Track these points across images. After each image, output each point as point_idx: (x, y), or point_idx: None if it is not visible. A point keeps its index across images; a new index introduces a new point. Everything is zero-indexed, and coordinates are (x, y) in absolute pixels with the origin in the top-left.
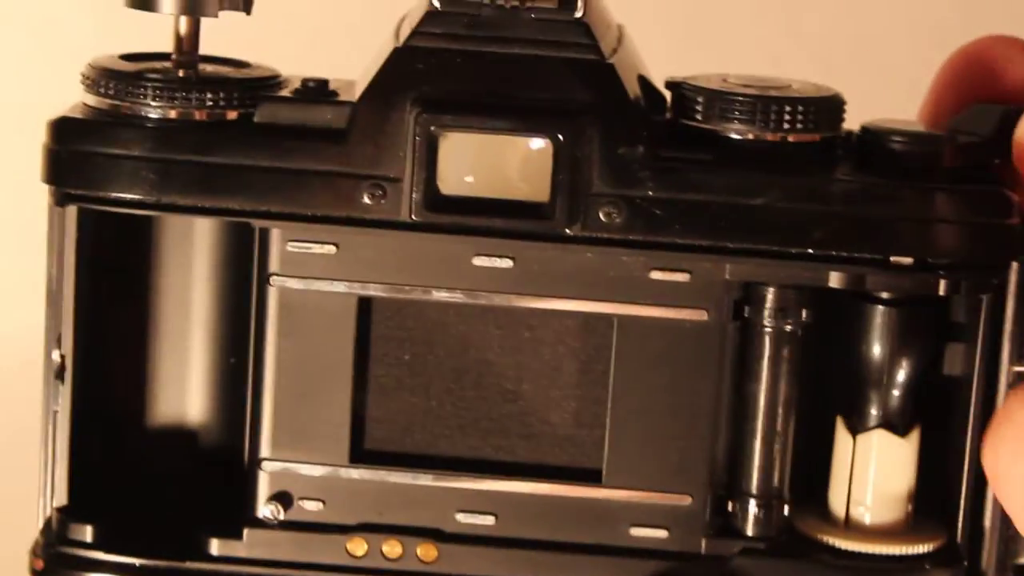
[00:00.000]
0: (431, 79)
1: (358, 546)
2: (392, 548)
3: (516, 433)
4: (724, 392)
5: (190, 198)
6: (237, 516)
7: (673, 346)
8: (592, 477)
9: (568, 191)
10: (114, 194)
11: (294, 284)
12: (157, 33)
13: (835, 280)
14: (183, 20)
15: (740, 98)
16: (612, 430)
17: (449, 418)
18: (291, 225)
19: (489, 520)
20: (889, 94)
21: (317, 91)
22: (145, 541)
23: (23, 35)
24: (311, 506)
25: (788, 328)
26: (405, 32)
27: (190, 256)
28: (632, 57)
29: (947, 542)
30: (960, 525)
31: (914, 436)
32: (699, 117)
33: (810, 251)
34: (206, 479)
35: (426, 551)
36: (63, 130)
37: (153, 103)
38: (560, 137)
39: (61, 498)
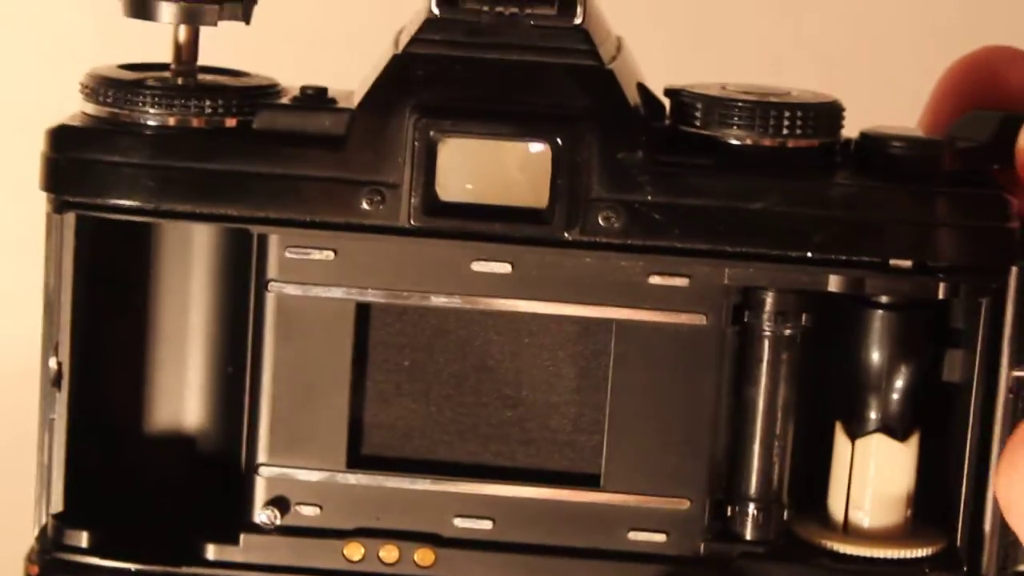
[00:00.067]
0: (430, 85)
1: (355, 551)
2: (389, 553)
3: (515, 438)
4: (723, 396)
5: (189, 205)
6: (234, 521)
7: (672, 351)
8: (591, 481)
9: (567, 196)
10: (113, 201)
11: (292, 290)
12: (157, 43)
13: (834, 284)
14: (182, 29)
15: (739, 104)
16: (611, 434)
17: (448, 423)
18: (289, 231)
19: (487, 525)
20: (889, 105)
21: (316, 98)
22: (141, 547)
23: (24, 44)
24: (308, 511)
25: (787, 332)
26: (404, 40)
27: (188, 263)
28: (631, 65)
29: (947, 547)
30: (960, 530)
31: (913, 441)
32: (698, 123)
33: (809, 255)
34: (202, 485)
35: (423, 556)
36: (61, 138)
37: (152, 111)
38: (559, 142)
39: (57, 505)
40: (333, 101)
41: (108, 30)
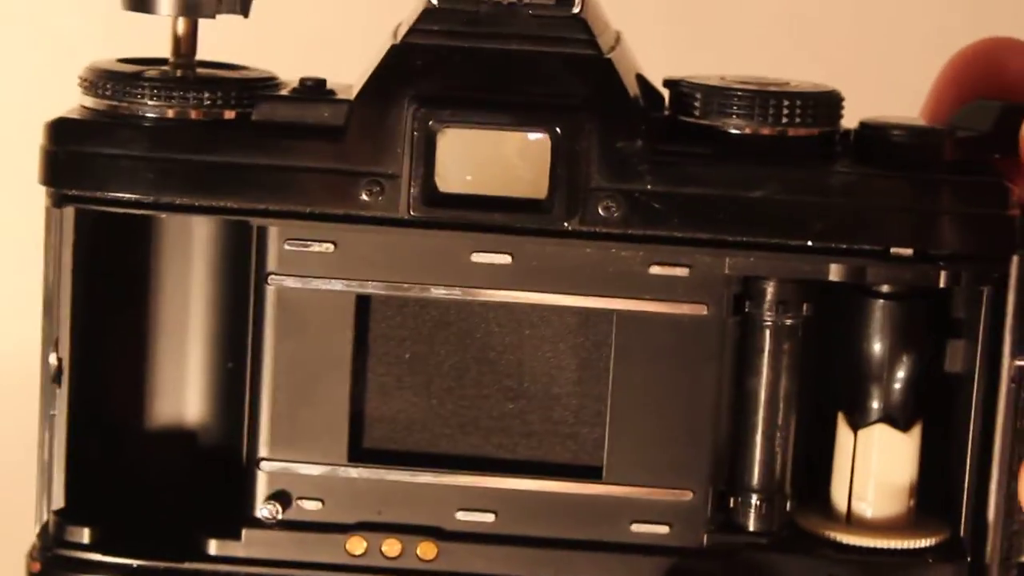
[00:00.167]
0: (429, 75)
1: (357, 545)
2: (391, 547)
3: (517, 431)
4: (725, 387)
5: (188, 197)
6: (235, 516)
7: (673, 341)
8: (593, 474)
9: (566, 186)
10: (112, 194)
11: (292, 283)
12: (155, 41)
13: (835, 273)
14: (180, 21)
15: (739, 93)
16: (612, 426)
17: (449, 416)
18: (289, 223)
19: (489, 518)
20: (889, 97)
21: (315, 90)
22: (143, 542)
23: (24, 42)
24: (310, 505)
25: (788, 322)
26: (403, 31)
27: (188, 257)
28: (629, 57)
29: (950, 537)
30: (963, 520)
31: (916, 431)
32: (697, 113)
33: (810, 244)
34: (204, 480)
35: (426, 549)
36: (60, 131)
37: (151, 103)
38: (558, 131)
39: (58, 501)
40: (332, 93)
41: (106, 28)
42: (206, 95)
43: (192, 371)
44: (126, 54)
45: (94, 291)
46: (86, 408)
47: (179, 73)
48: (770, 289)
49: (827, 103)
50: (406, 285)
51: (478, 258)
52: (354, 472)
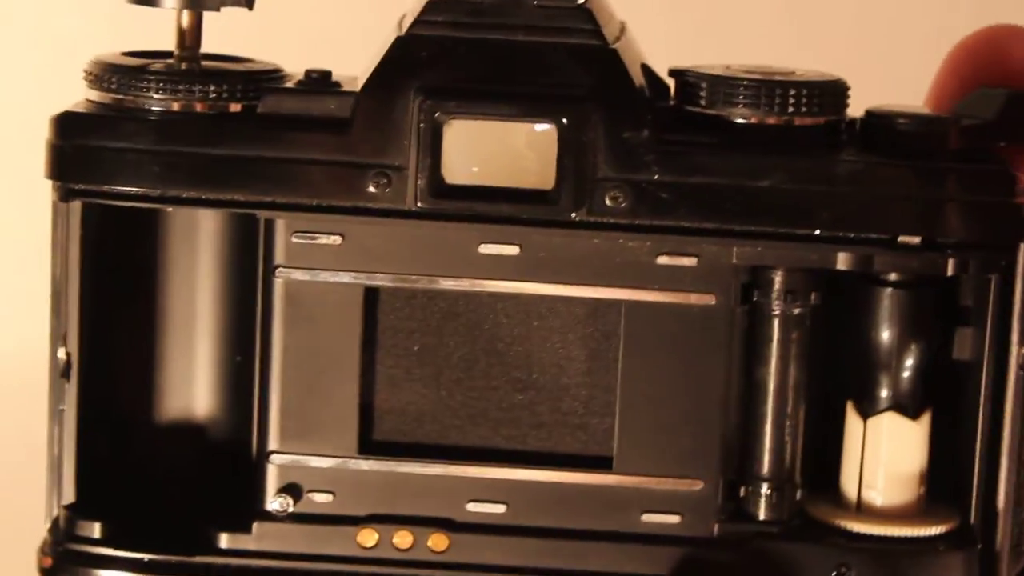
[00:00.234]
0: (434, 67)
1: (368, 537)
2: (403, 539)
3: (526, 422)
4: (734, 376)
5: (195, 190)
6: (246, 510)
7: (681, 331)
8: (603, 464)
9: (573, 176)
10: (119, 188)
11: (300, 275)
12: (158, 32)
13: (843, 261)
14: (185, 15)
15: (744, 82)
16: (622, 416)
17: (459, 408)
18: (296, 215)
19: (500, 509)
20: (893, 87)
21: (320, 82)
22: (154, 536)
23: (24, 36)
24: (320, 498)
25: (796, 311)
26: (407, 23)
27: (194, 251)
28: (634, 47)
29: (960, 524)
30: (973, 507)
31: (925, 419)
32: (703, 103)
33: (817, 232)
34: (213, 474)
35: (437, 541)
36: (66, 125)
37: (156, 96)
38: (565, 122)
39: (69, 496)
40: (337, 85)
41: (109, 24)
42: (211, 88)
43: (200, 365)
44: (131, 47)
45: (102, 286)
46: (95, 403)
47: (184, 66)
48: (778, 278)
49: (833, 92)
50: (414, 277)
51: (486, 249)
52: (364, 464)
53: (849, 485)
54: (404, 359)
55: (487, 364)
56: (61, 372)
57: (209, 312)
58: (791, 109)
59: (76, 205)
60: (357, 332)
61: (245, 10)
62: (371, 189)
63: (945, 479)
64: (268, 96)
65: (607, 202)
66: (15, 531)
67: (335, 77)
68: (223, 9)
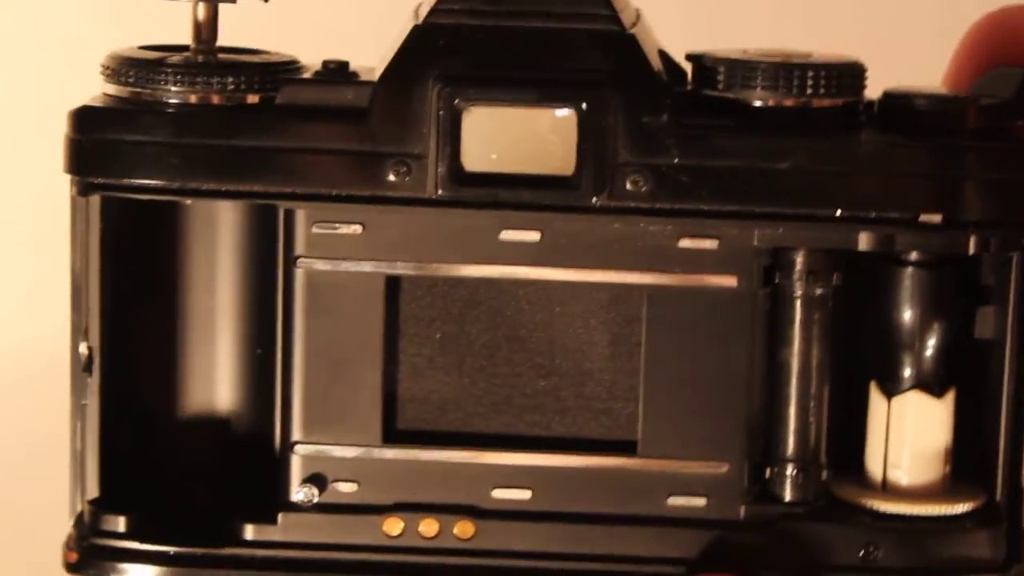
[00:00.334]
0: (452, 55)
1: (394, 526)
2: (428, 527)
3: (550, 408)
4: (757, 358)
5: (214, 182)
6: (271, 501)
7: (704, 314)
8: (628, 448)
9: (594, 161)
10: (138, 181)
11: (321, 266)
12: (165, 27)
13: (864, 242)
14: (201, 7)
15: (762, 65)
16: (646, 400)
17: (482, 395)
18: (316, 206)
19: (525, 495)
20: (909, 70)
21: (338, 72)
22: (179, 529)
23: (33, 32)
24: (345, 488)
25: (819, 292)
26: (424, 12)
27: (214, 243)
28: (651, 33)
29: (986, 502)
30: (998, 485)
31: (949, 397)
32: (721, 86)
33: (838, 213)
34: (237, 466)
35: (463, 528)
36: (84, 119)
37: (174, 89)
38: (584, 107)
39: (93, 491)
40: (355, 75)
41: (117, 20)
42: (229, 80)
43: (222, 357)
44: (131, 44)
45: (122, 280)
46: (117, 397)
47: (201, 59)
48: (799, 260)
49: (850, 73)
50: (435, 265)
51: (507, 236)
52: (389, 453)
53: (874, 465)
54: (427, 347)
55: (510, 351)
56: (83, 367)
57: (230, 304)
58: (809, 91)
59: (95, 199)
60: (379, 321)
61: (260, 3)
62: (391, 178)
63: (969, 458)
64: (286, 87)
65: (628, 186)
66: (15, 528)
67: (352, 68)
68: (239, 1)
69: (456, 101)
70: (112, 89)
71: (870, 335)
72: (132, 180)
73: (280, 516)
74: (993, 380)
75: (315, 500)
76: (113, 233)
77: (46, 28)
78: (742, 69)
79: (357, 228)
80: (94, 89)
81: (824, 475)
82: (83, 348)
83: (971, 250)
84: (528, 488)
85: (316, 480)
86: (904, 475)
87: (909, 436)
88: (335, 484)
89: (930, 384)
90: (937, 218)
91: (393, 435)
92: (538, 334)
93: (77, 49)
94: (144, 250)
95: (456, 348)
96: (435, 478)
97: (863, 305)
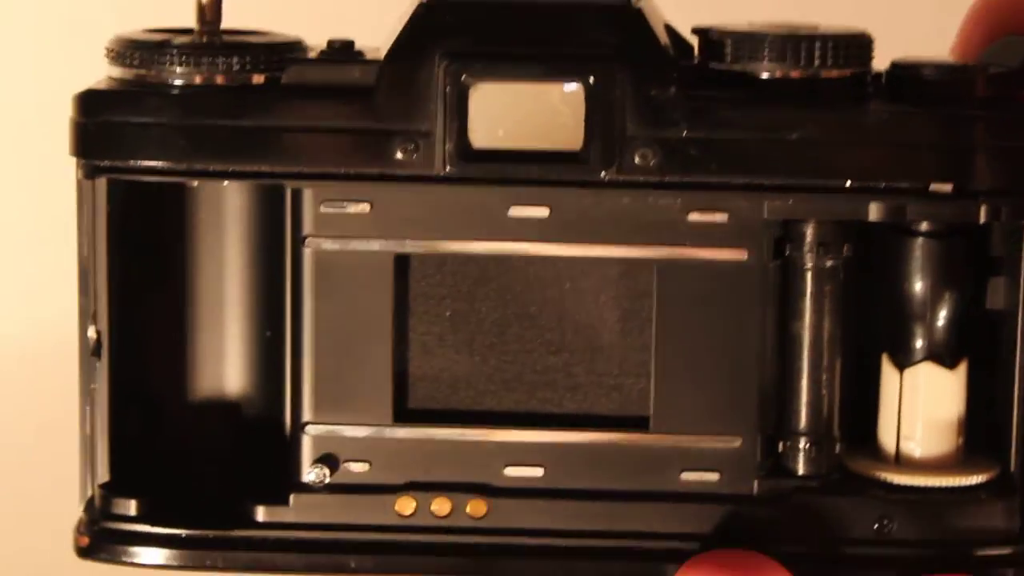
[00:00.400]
0: (458, 31)
1: (406, 505)
2: (441, 506)
3: (561, 384)
4: (768, 331)
5: (221, 163)
6: (282, 482)
7: (714, 288)
8: (640, 424)
9: (602, 135)
10: (144, 163)
11: (330, 245)
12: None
13: (875, 212)
14: None
15: (770, 37)
16: (657, 375)
17: (493, 373)
18: (324, 184)
19: (538, 472)
20: (915, 45)
21: (343, 52)
22: (190, 512)
23: (32, 19)
24: (357, 467)
25: (829, 264)
26: None
27: (221, 225)
28: (656, 8)
29: (1000, 473)
30: (1012, 455)
31: (962, 368)
32: (728, 59)
33: (848, 184)
34: (246, 448)
35: (476, 507)
36: (90, 102)
37: (179, 70)
38: (592, 81)
39: (103, 475)
40: (360, 54)
41: (112, 10)
42: (235, 60)
43: (230, 338)
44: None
45: (129, 263)
46: (126, 380)
47: (206, 40)
48: (809, 231)
49: (857, 44)
50: (444, 242)
51: (515, 212)
52: (400, 432)
53: (887, 437)
54: (436, 325)
55: (520, 327)
56: (92, 351)
57: (238, 286)
58: (817, 62)
59: (101, 182)
60: (388, 299)
61: None
62: (398, 156)
63: (982, 429)
64: (292, 67)
65: (636, 160)
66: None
67: (357, 47)
68: None
69: (463, 77)
70: (117, 72)
71: (881, 307)
72: (138, 162)
73: (292, 497)
74: (1005, 351)
75: (327, 481)
76: (120, 216)
77: (47, 17)
78: (749, 42)
79: (365, 206)
80: (92, 79)
81: (837, 448)
82: (91, 332)
83: (982, 219)
84: (540, 465)
85: (327, 460)
86: (917, 447)
87: (922, 408)
88: (346, 464)
89: (942, 355)
90: (948, 187)
91: (404, 414)
92: (548, 310)
93: (77, 39)
94: (151, 233)
95: (466, 326)
96: (447, 457)
97: (874, 277)
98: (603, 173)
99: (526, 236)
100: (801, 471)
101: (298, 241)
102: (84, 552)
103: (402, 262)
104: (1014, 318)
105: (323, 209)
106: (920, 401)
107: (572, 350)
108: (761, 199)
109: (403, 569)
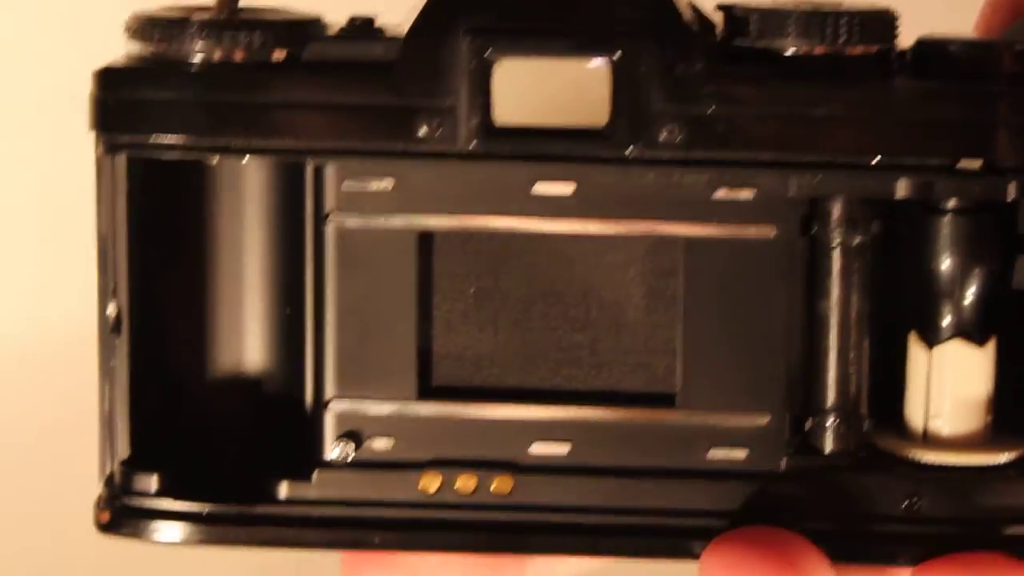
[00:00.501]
0: (482, 6)
1: (431, 482)
2: (466, 483)
3: (587, 361)
4: (796, 309)
5: (241, 139)
6: (305, 458)
7: (741, 265)
8: (666, 401)
9: (628, 111)
10: (164, 139)
11: (352, 222)
12: None
13: (902, 189)
14: None
15: (795, 14)
16: (684, 352)
17: (518, 350)
18: (346, 161)
19: (563, 449)
20: (939, 21)
21: (364, 28)
22: (212, 488)
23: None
24: (381, 444)
25: (857, 241)
26: None
27: (241, 202)
28: None
29: None
30: None
31: (990, 346)
32: (753, 35)
33: (876, 160)
34: (268, 425)
35: (501, 484)
36: (110, 78)
37: (200, 46)
38: (618, 57)
39: (124, 451)
40: (381, 31)
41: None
42: (256, 36)
43: (250, 315)
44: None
45: (148, 239)
46: (146, 357)
47: (226, 16)
48: (837, 209)
49: (882, 21)
50: (468, 219)
51: (540, 188)
52: (425, 408)
53: (915, 415)
54: (460, 302)
55: (545, 305)
56: (111, 328)
57: (257, 262)
58: (842, 38)
59: (121, 159)
60: (412, 277)
61: None
62: (422, 132)
63: (1011, 407)
64: (313, 43)
65: (662, 137)
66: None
67: (377, 24)
68: None
69: (487, 52)
70: (136, 48)
71: (908, 285)
72: (159, 138)
73: (315, 473)
74: None
75: (351, 457)
76: (139, 193)
77: (47, 17)
78: (774, 18)
79: (388, 183)
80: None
81: (865, 426)
82: (111, 309)
83: (1010, 196)
84: (566, 442)
85: (351, 437)
86: (945, 425)
87: (950, 386)
88: (370, 440)
89: (971, 333)
90: (976, 164)
91: (429, 390)
92: (573, 287)
93: (77, 39)
94: (170, 210)
95: (490, 303)
96: (472, 433)
97: (901, 255)
98: (629, 149)
99: (551, 213)
100: (829, 449)
101: (320, 218)
102: (105, 528)
103: (426, 239)
104: None
105: (346, 186)
106: (948, 379)
107: (597, 327)
108: (787, 176)
109: (427, 546)
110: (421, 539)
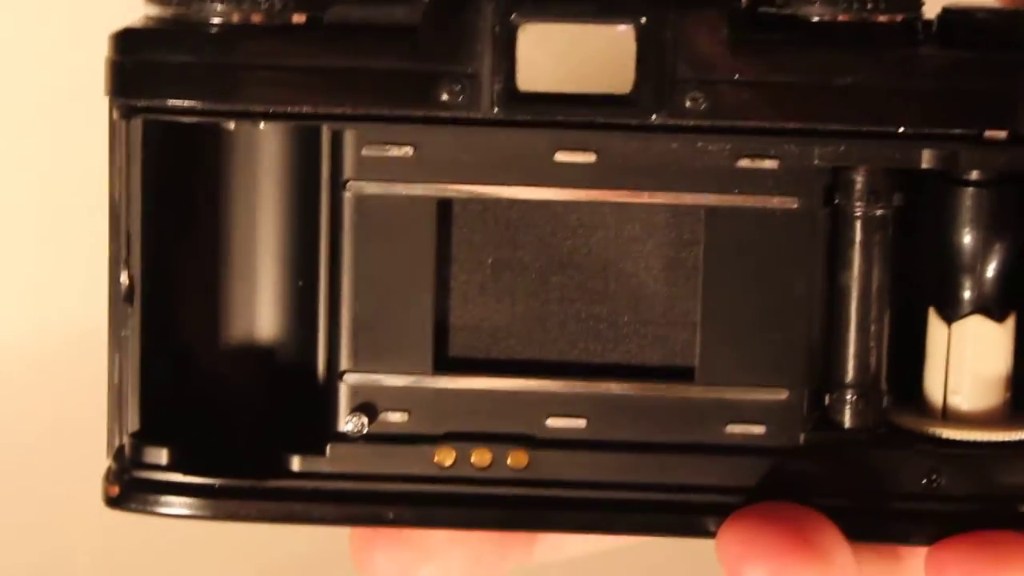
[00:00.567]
0: None
1: (446, 456)
2: (481, 457)
3: (605, 334)
4: (817, 281)
5: (260, 104)
6: (318, 432)
7: (763, 236)
8: (685, 375)
9: (652, 78)
10: (181, 103)
11: (371, 189)
12: None
13: (927, 159)
14: None
15: None
16: (704, 325)
17: (535, 322)
18: (367, 126)
19: (580, 423)
20: None
21: None
22: (224, 461)
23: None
24: (396, 417)
25: (879, 213)
26: None
27: (257, 169)
28: None
29: None
30: None
31: (1010, 321)
32: (779, 2)
33: (901, 130)
34: (281, 397)
35: (517, 458)
36: (127, 40)
37: (219, 8)
38: (643, 22)
39: (134, 423)
40: None
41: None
42: None
43: (264, 285)
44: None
45: (162, 206)
46: (158, 327)
47: None
48: (860, 179)
49: None
50: (489, 187)
51: (562, 157)
52: (440, 382)
53: (934, 391)
54: (478, 273)
55: (563, 276)
56: (124, 296)
57: (272, 230)
58: (868, 6)
59: (137, 123)
60: (431, 246)
61: None
62: (444, 97)
63: None
64: (334, 7)
65: (687, 104)
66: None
67: None
68: None
69: (512, 17)
70: (154, 11)
71: (928, 259)
72: (177, 102)
73: (329, 447)
74: None
75: (365, 430)
76: (155, 158)
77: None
78: None
79: (408, 150)
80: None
81: (885, 402)
82: (123, 278)
83: None
84: (583, 416)
85: (366, 410)
86: (964, 401)
87: (970, 362)
88: (385, 414)
89: (991, 308)
90: (1003, 134)
91: (444, 363)
92: (592, 258)
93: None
94: (185, 177)
95: (508, 274)
96: (488, 407)
97: (921, 229)
98: (653, 116)
99: (572, 182)
100: (848, 424)
101: (338, 185)
102: (114, 502)
103: (445, 207)
104: None
105: (365, 152)
106: (968, 355)
107: (617, 299)
108: (812, 145)
109: (442, 521)
110: (435, 514)
